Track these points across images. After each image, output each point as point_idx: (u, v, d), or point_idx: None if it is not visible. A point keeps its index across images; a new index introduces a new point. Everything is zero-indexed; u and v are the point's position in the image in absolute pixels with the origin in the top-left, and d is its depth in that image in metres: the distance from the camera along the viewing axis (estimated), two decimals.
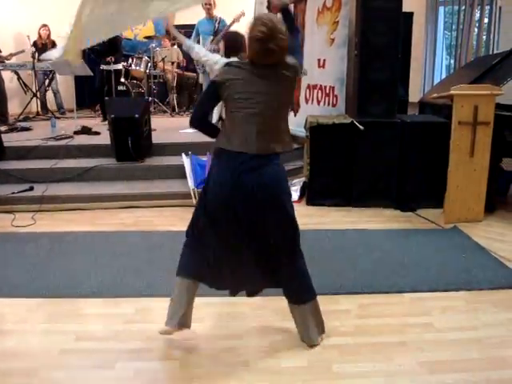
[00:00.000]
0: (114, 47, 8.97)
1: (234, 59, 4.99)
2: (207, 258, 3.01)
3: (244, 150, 2.82)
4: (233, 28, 7.89)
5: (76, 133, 7.55)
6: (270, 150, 2.89)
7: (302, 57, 3.18)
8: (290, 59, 2.89)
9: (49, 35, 9.88)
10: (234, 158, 2.82)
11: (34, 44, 9.75)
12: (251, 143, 2.82)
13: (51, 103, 10.25)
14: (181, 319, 3.03)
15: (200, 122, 3.05)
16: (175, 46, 10.84)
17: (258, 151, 2.83)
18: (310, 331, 3.12)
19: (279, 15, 3.21)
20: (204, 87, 8.44)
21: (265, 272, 3.05)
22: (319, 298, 3.09)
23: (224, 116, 5.05)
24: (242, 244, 2.94)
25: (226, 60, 4.99)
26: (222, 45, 5.23)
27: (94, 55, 8.96)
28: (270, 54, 2.77)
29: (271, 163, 2.89)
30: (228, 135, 2.90)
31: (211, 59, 5.13)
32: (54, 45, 9.92)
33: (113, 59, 9.09)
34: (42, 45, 9.82)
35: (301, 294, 3.10)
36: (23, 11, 10.14)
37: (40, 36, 9.80)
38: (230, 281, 3.12)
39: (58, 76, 9.83)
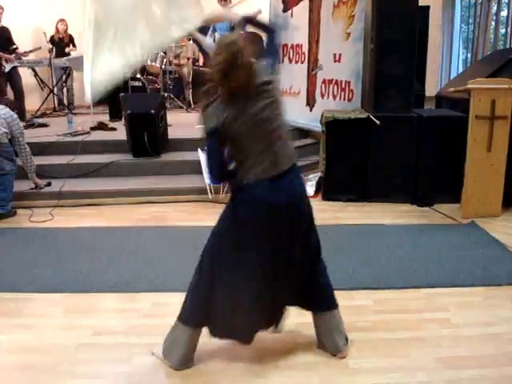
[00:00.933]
0: None
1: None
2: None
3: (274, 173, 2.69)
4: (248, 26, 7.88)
5: (92, 129, 7.59)
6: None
7: (276, 57, 2.99)
8: (261, 63, 2.73)
9: (66, 30, 9.90)
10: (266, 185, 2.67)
11: (51, 39, 9.78)
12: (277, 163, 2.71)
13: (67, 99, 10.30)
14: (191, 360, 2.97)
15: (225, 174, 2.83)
16: (191, 42, 10.83)
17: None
18: (337, 340, 3.02)
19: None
20: None
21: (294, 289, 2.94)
22: (335, 294, 3.08)
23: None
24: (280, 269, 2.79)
25: None
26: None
27: None
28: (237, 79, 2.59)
29: (297, 175, 2.84)
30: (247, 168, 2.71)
31: None
32: (71, 39, 9.95)
33: None
34: (60, 39, 9.84)
35: (327, 300, 3.03)
36: (41, 7, 10.18)
37: (57, 30, 9.82)
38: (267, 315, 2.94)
39: (74, 72, 9.86)
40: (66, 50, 9.80)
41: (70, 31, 9.98)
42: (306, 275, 2.91)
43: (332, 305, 3.02)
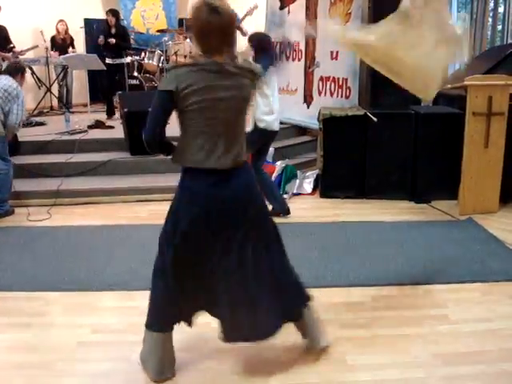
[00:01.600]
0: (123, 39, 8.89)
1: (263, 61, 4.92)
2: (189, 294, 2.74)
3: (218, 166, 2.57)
4: (246, 22, 7.88)
5: (90, 127, 7.59)
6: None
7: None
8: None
9: (66, 30, 9.86)
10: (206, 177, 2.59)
11: (52, 39, 9.74)
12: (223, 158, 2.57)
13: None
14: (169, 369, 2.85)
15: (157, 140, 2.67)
16: (188, 40, 10.84)
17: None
18: (321, 332, 2.99)
19: None
20: None
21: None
22: (334, 291, 3.09)
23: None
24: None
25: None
26: (247, 47, 5.07)
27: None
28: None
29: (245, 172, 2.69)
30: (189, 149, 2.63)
31: None
32: (72, 40, 9.92)
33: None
34: (62, 40, 9.80)
35: (304, 293, 2.94)
36: (39, 7, 10.18)
37: (58, 31, 9.79)
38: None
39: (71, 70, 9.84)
40: (68, 51, 9.75)
41: (70, 32, 9.96)
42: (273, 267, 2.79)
43: (309, 296, 2.94)
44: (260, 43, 5.02)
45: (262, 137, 5.04)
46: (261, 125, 4.96)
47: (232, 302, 2.67)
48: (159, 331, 2.77)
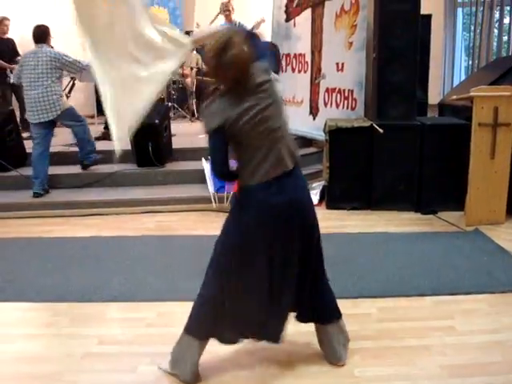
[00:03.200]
0: None
1: None
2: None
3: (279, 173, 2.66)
4: None
5: (97, 139, 7.61)
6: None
7: (272, 60, 2.91)
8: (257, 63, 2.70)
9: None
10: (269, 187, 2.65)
11: None
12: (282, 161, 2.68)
13: None
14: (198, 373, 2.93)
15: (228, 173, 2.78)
16: (194, 52, 10.88)
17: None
18: (338, 349, 3.01)
19: None
20: None
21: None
22: (340, 302, 3.08)
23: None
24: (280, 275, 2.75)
25: None
26: None
27: None
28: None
29: (300, 175, 2.81)
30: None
31: None
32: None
33: None
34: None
35: (330, 312, 3.00)
36: (46, 20, 10.21)
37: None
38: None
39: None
40: None
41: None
42: (308, 284, 2.87)
43: (334, 316, 3.00)
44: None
45: None
46: None
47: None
48: (203, 339, 2.86)
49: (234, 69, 2.54)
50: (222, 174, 2.76)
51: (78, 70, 6.38)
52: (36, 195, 5.94)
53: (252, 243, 2.69)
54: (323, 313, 2.99)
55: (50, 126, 6.15)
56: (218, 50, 2.52)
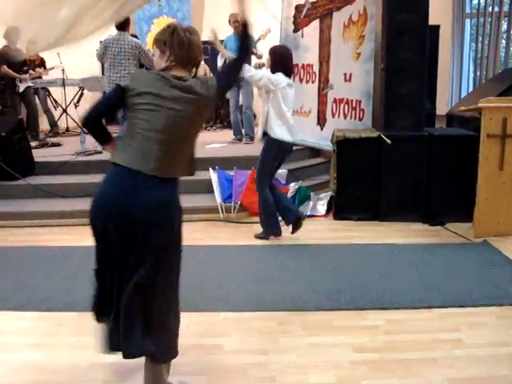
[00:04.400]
0: None
1: (279, 75, 4.98)
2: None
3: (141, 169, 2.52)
4: (261, 44, 7.95)
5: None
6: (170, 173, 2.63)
7: (230, 78, 2.83)
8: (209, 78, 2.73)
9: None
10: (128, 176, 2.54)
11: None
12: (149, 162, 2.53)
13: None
14: None
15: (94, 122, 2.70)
16: (202, 62, 10.93)
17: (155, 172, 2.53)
18: None
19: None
20: (230, 102, 8.49)
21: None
22: (347, 313, 3.06)
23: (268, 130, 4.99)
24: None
25: (271, 75, 4.98)
26: (268, 59, 5.15)
27: None
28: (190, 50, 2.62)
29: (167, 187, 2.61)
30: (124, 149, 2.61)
31: (255, 75, 5.06)
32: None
33: None
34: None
35: (167, 351, 2.71)
36: None
37: None
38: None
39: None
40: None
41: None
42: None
43: (159, 357, 2.67)
44: (278, 57, 5.07)
45: (279, 150, 5.12)
46: (274, 135, 5.01)
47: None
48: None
49: (176, 49, 2.59)
50: (89, 116, 2.63)
51: (148, 62, 7.04)
52: None
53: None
54: (164, 350, 2.71)
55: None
56: (182, 28, 2.63)
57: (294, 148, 5.48)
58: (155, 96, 2.53)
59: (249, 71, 5.12)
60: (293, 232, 5.25)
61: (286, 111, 5.03)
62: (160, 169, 2.54)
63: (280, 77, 4.97)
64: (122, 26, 6.97)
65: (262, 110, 5.11)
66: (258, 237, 5.32)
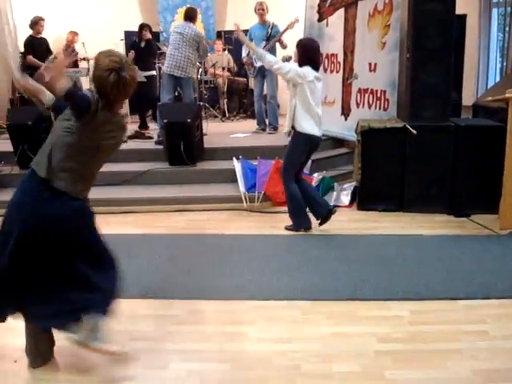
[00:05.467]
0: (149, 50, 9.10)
1: (307, 68, 4.95)
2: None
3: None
4: (286, 34, 7.93)
5: (130, 137, 7.70)
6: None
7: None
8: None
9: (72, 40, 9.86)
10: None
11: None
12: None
13: None
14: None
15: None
16: (226, 52, 10.94)
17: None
18: None
19: None
20: (255, 92, 8.50)
21: None
22: (371, 304, 3.06)
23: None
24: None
25: (298, 69, 4.96)
26: (295, 52, 5.12)
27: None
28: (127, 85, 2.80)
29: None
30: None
31: (283, 68, 5.05)
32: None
33: None
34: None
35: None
36: (78, 18, 10.37)
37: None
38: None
39: None
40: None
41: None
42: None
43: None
44: (305, 50, 5.04)
45: (306, 145, 5.12)
46: (301, 130, 5.00)
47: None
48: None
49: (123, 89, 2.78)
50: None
51: (203, 54, 7.96)
52: None
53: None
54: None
55: (174, 81, 7.65)
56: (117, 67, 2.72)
57: None
58: None
59: (276, 63, 5.12)
60: (321, 224, 5.24)
61: (313, 105, 5.01)
62: None
63: (307, 70, 4.95)
64: (190, 16, 7.76)
65: (289, 103, 5.09)
66: (288, 228, 5.31)
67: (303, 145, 5.10)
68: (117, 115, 2.95)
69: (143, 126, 8.65)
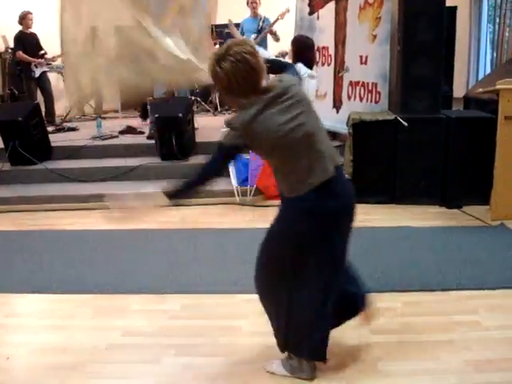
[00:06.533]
0: None
1: (300, 65, 4.94)
2: None
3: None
4: (277, 25, 7.92)
5: (121, 132, 7.68)
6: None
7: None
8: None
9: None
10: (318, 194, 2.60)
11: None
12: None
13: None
14: None
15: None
16: (217, 46, 10.90)
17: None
18: None
19: None
20: None
21: None
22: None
23: None
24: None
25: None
26: (290, 49, 5.13)
27: None
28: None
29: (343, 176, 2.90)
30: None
31: None
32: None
33: None
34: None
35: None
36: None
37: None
38: None
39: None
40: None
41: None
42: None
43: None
44: (299, 47, 5.03)
45: None
46: None
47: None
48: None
49: (242, 78, 2.45)
50: (202, 179, 2.78)
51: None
52: None
53: (305, 251, 2.68)
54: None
55: None
56: (217, 55, 2.48)
57: None
58: None
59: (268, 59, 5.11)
60: None
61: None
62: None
63: (300, 67, 4.94)
64: None
65: None
66: None
67: None
68: None
69: (145, 115, 8.47)
